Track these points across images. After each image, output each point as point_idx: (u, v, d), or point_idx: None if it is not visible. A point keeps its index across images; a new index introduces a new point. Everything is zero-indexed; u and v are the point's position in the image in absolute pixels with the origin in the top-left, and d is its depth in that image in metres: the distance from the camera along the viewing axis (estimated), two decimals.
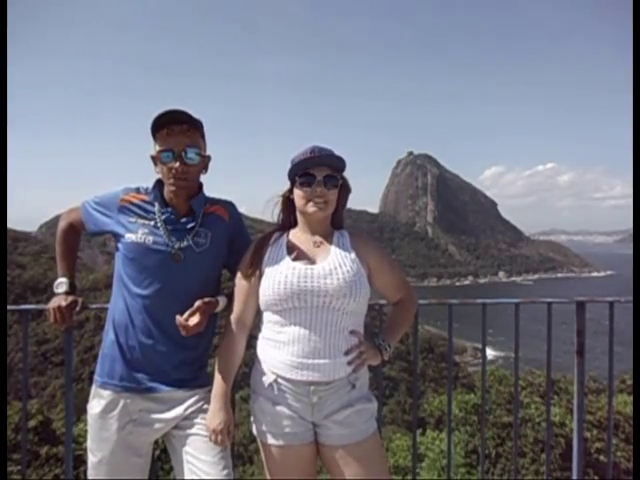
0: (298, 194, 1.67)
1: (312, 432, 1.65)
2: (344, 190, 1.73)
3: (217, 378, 1.67)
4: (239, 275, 1.71)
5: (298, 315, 1.59)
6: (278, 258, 1.67)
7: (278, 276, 1.61)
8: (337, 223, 1.77)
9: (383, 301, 2.06)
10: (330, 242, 1.71)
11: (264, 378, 1.64)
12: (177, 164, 1.64)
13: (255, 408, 1.67)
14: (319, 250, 1.69)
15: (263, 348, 1.67)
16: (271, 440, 1.64)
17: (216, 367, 1.69)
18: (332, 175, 1.65)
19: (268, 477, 1.69)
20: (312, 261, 1.66)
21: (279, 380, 1.60)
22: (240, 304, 1.70)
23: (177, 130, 1.64)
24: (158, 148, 1.66)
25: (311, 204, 1.65)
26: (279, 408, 1.61)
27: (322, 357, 1.57)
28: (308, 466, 1.67)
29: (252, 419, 1.70)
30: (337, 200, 1.71)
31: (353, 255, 1.67)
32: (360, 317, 1.69)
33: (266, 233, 1.77)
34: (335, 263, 1.63)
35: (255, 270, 1.68)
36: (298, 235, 1.74)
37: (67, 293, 1.80)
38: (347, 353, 1.61)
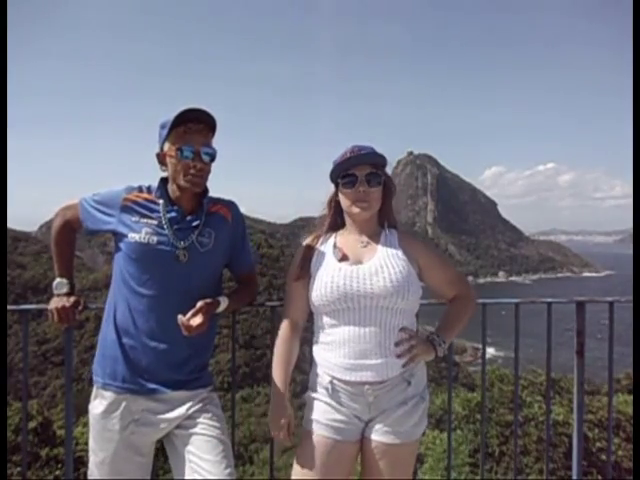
0: (342, 195, 1.68)
1: (361, 431, 1.64)
2: (388, 187, 1.72)
3: (275, 378, 1.69)
4: (289, 278, 1.73)
5: (347, 316, 1.60)
6: (325, 260, 1.68)
7: (325, 278, 1.62)
8: (385, 221, 1.76)
9: None
10: (377, 241, 1.70)
11: (320, 380, 1.65)
12: (195, 162, 1.64)
13: (310, 399, 1.68)
14: (366, 250, 1.68)
15: (317, 351, 1.69)
16: (320, 430, 1.62)
17: (273, 367, 1.72)
18: (374, 172, 1.65)
19: (298, 468, 1.66)
20: (359, 261, 1.65)
21: (334, 382, 1.61)
22: (292, 306, 1.73)
23: (195, 129, 1.64)
24: (173, 145, 1.65)
25: (356, 205, 1.65)
26: (335, 406, 1.62)
27: (374, 357, 1.57)
28: (348, 464, 1.66)
29: (305, 409, 1.69)
30: (382, 198, 1.70)
31: (400, 253, 1.66)
32: (411, 315, 1.68)
33: (314, 235, 1.78)
34: (381, 262, 1.63)
35: (304, 273, 1.69)
36: (345, 236, 1.74)
37: (67, 294, 1.80)
38: (397, 345, 1.60)
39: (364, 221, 1.71)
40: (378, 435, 1.62)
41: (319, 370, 1.67)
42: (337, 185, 1.70)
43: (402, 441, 1.61)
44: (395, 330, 1.61)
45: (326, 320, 1.64)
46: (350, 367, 1.58)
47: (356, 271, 1.61)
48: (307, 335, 1.80)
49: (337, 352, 1.60)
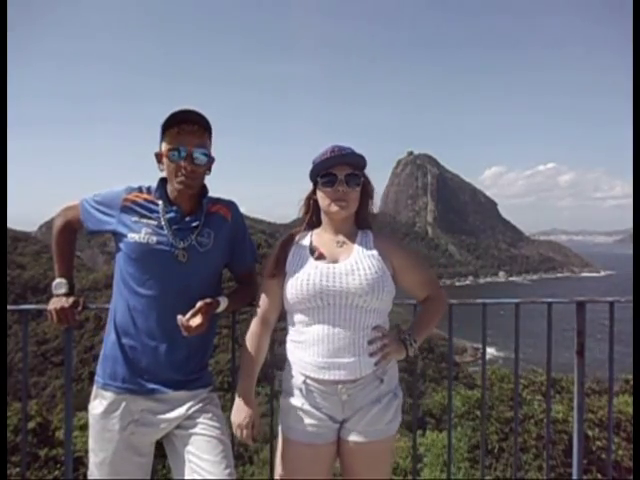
0: (321, 194, 1.69)
1: (337, 432, 1.66)
2: (366, 189, 1.73)
3: (241, 375, 1.69)
4: (264, 275, 1.73)
5: (321, 314, 1.61)
6: (301, 258, 1.69)
7: (301, 275, 1.63)
8: (361, 223, 1.77)
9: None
10: (353, 242, 1.72)
11: (293, 380, 1.66)
12: (186, 163, 1.64)
13: (284, 404, 1.69)
14: (342, 249, 1.70)
15: (290, 350, 1.69)
16: (295, 436, 1.65)
17: (241, 364, 1.72)
18: (354, 173, 1.66)
19: (279, 472, 1.70)
20: (335, 260, 1.67)
21: (308, 381, 1.62)
22: (264, 303, 1.73)
23: (187, 130, 1.64)
24: (167, 146, 1.65)
25: (334, 204, 1.66)
26: (309, 408, 1.63)
27: (347, 356, 1.58)
28: (326, 466, 1.68)
29: (280, 414, 1.71)
30: (360, 199, 1.71)
31: (376, 253, 1.68)
32: (384, 315, 1.70)
33: (290, 233, 1.78)
34: (357, 262, 1.64)
35: (280, 270, 1.70)
36: (322, 235, 1.75)
37: (67, 294, 1.80)
38: (370, 343, 1.61)
39: (341, 221, 1.72)
40: (354, 435, 1.64)
41: (292, 370, 1.67)
42: (316, 184, 1.71)
43: (377, 439, 1.64)
44: (368, 329, 1.62)
45: (300, 318, 1.65)
46: (323, 366, 1.59)
47: (332, 269, 1.63)
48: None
49: (310, 350, 1.61)
